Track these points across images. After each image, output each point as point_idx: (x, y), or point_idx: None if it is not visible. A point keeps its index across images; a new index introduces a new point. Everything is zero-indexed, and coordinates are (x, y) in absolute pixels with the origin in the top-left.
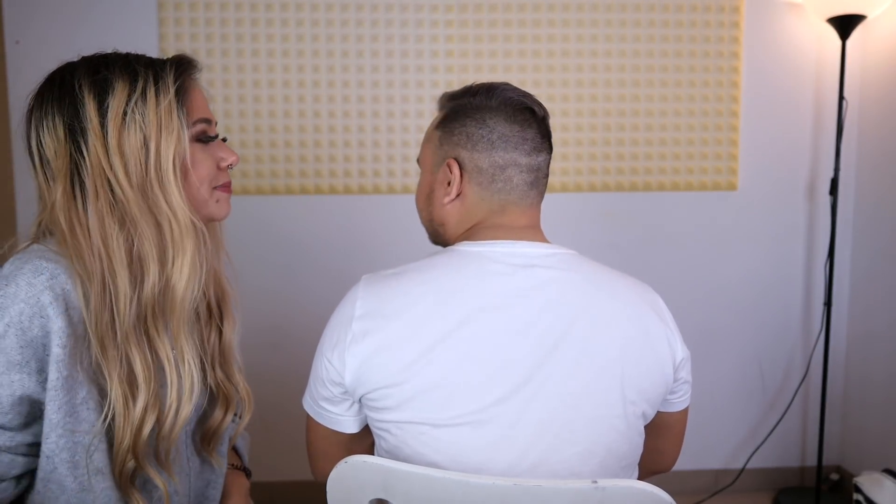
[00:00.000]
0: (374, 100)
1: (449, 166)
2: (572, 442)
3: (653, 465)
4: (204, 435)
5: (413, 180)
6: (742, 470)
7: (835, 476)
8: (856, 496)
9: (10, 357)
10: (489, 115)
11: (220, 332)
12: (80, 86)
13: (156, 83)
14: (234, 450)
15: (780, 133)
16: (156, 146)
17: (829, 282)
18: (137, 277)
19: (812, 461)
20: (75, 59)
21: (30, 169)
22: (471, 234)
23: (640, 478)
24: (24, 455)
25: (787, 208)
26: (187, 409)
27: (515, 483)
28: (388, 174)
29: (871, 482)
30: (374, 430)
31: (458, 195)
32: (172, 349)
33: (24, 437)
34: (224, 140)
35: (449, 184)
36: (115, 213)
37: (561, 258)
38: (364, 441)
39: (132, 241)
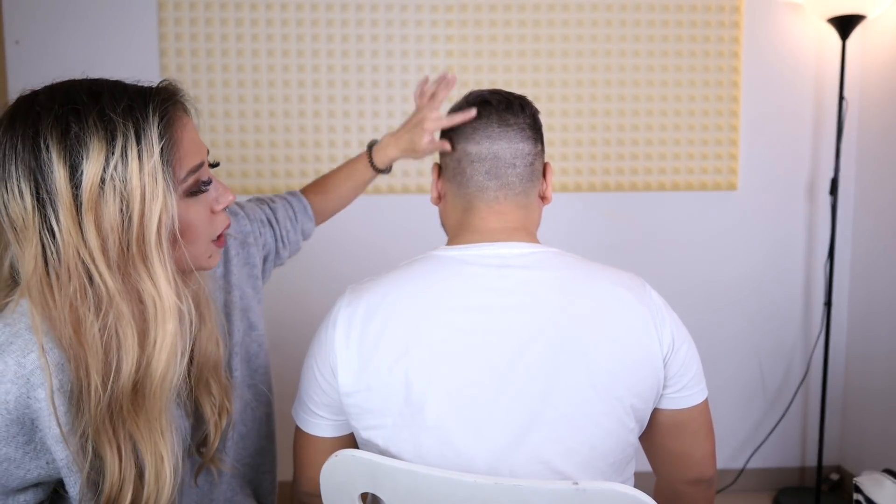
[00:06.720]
0: (375, 100)
1: (433, 170)
2: (554, 441)
3: (684, 470)
4: (201, 443)
5: (413, 180)
6: (742, 470)
7: (835, 476)
8: (856, 496)
9: None
10: None
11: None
12: (47, 146)
13: (138, 140)
14: None
15: (780, 133)
16: (139, 217)
17: (829, 282)
18: (112, 366)
19: (812, 461)
20: (38, 91)
21: None
22: (449, 239)
23: (671, 486)
24: None
25: (787, 208)
26: (165, 497)
27: (496, 482)
28: (388, 174)
29: (871, 482)
30: (360, 440)
31: (439, 196)
32: (146, 444)
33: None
34: (215, 165)
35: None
36: (88, 298)
37: (538, 257)
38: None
39: (109, 325)
